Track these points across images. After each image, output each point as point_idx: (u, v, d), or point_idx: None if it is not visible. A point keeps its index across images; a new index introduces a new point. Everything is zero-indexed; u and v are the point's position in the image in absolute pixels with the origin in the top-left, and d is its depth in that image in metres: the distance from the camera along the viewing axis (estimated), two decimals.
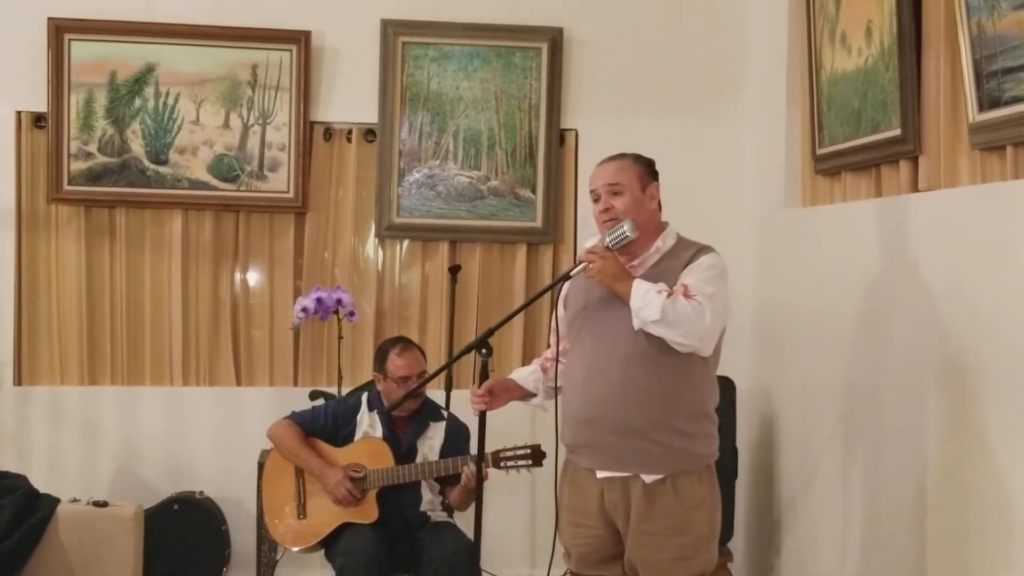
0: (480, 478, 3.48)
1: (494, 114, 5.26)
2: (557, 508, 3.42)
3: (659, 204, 3.38)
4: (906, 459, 3.60)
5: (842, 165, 4.35)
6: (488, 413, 3.44)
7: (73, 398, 5.19)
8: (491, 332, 3.36)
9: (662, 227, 3.36)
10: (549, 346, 3.51)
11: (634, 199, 3.28)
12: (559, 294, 3.43)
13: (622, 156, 3.37)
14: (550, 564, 3.65)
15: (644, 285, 3.14)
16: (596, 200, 3.33)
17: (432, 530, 4.24)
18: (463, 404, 4.60)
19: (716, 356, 3.30)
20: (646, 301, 3.10)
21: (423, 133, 5.25)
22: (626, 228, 3.21)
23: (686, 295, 3.12)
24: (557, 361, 3.41)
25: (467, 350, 3.45)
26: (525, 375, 3.56)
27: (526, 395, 3.55)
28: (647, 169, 3.36)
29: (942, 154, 3.62)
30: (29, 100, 5.09)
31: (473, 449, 4.14)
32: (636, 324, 3.14)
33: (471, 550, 4.18)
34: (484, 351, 3.33)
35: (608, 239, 3.23)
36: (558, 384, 3.40)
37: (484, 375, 3.40)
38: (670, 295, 3.11)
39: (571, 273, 3.29)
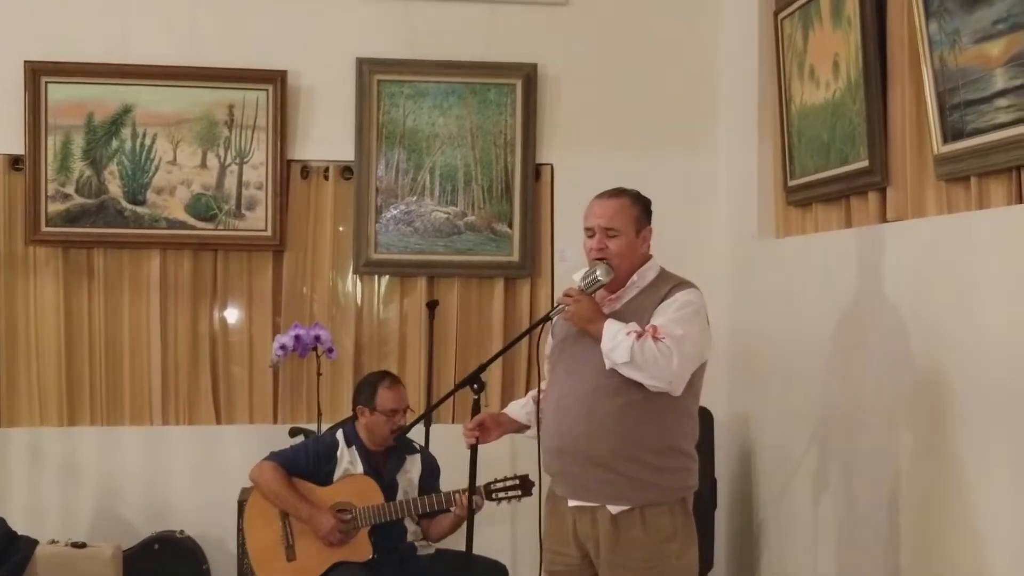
0: (472, 512, 3.49)
1: (470, 150, 5.30)
2: (541, 536, 3.45)
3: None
4: (880, 483, 3.64)
5: (813, 196, 4.41)
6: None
7: (52, 439, 5.17)
8: (483, 368, 3.42)
9: (644, 262, 3.35)
10: (543, 378, 3.53)
11: (628, 243, 3.28)
12: (548, 326, 3.45)
13: (622, 194, 3.35)
14: None
15: (615, 327, 3.16)
16: (591, 236, 3.32)
17: (448, 562, 4.23)
18: (442, 439, 4.65)
19: (692, 391, 3.29)
20: (616, 343, 3.13)
21: (400, 170, 5.29)
22: (599, 273, 3.25)
23: (655, 337, 3.12)
24: (538, 392, 3.45)
25: (460, 386, 3.48)
26: (518, 408, 3.58)
27: (520, 428, 3.56)
28: (644, 211, 3.35)
29: (909, 185, 3.68)
30: (6, 142, 5.10)
31: (443, 482, 4.21)
32: (608, 364, 3.17)
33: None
34: (476, 386, 3.38)
35: (582, 283, 3.27)
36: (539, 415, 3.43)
37: (476, 409, 3.43)
38: (640, 335, 3.13)
39: (550, 315, 3.35)
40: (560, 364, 3.39)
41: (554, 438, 3.32)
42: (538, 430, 3.40)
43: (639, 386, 3.17)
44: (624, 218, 3.30)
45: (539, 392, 3.47)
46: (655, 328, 3.15)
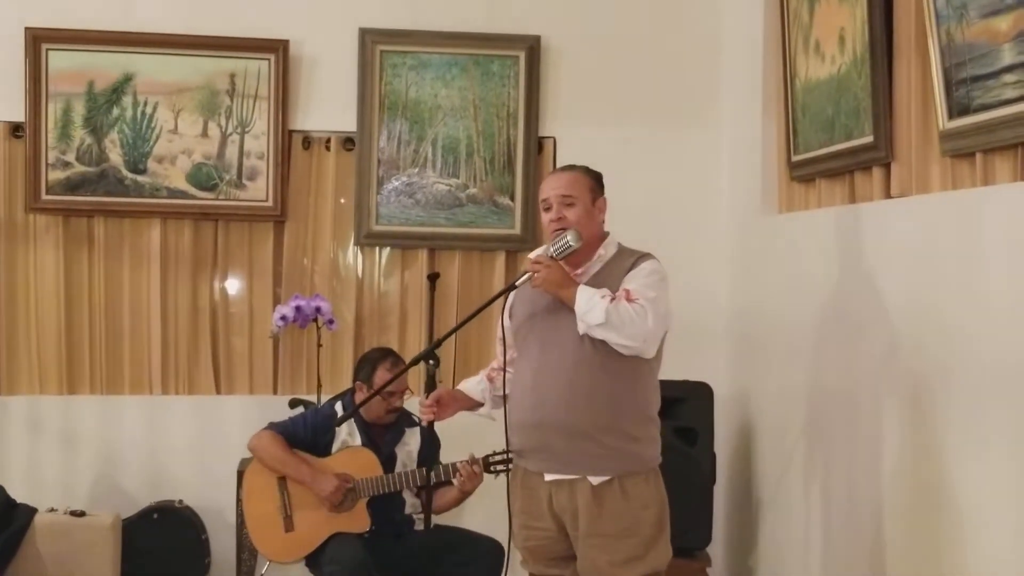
0: (430, 489, 3.55)
1: (472, 122, 5.28)
2: (510, 514, 3.48)
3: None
4: (879, 460, 3.64)
5: (817, 172, 4.39)
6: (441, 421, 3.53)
7: (52, 407, 5.17)
8: (439, 344, 3.45)
9: (604, 237, 3.43)
10: (495, 357, 3.56)
11: (585, 211, 3.36)
12: (505, 305, 3.47)
13: (573, 168, 3.46)
14: (505, 569, 3.69)
15: (588, 291, 3.22)
16: (547, 209, 3.39)
17: (444, 537, 4.25)
18: None
19: (658, 360, 3.38)
20: (591, 306, 3.18)
21: (402, 141, 5.27)
22: (569, 238, 3.28)
23: (629, 299, 3.20)
24: (504, 370, 3.47)
25: (415, 361, 3.51)
26: (472, 385, 3.61)
27: (474, 405, 3.61)
28: (596, 183, 3.44)
29: (913, 161, 3.65)
30: (7, 110, 5.08)
31: (444, 455, 4.22)
32: (581, 329, 3.21)
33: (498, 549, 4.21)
34: (432, 362, 3.41)
35: (552, 249, 3.31)
36: (506, 392, 3.45)
37: (432, 385, 3.45)
38: (613, 299, 3.19)
39: (517, 283, 3.36)
40: (531, 339, 3.40)
41: (531, 412, 3.34)
42: (504, 407, 3.42)
43: (618, 357, 3.23)
44: (579, 186, 3.38)
45: (504, 371, 3.47)
46: (628, 291, 3.23)
